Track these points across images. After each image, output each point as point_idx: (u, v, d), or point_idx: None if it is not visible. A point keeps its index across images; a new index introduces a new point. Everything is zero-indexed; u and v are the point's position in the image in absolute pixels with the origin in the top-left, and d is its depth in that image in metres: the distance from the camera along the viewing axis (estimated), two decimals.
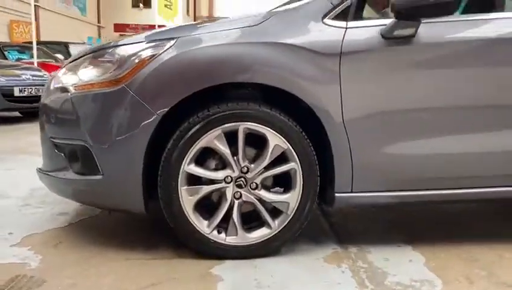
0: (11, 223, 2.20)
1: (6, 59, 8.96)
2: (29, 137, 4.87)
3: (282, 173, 1.79)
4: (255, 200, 1.79)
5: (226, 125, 1.71)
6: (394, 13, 1.71)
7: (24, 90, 6.51)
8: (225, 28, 1.80)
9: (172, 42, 1.72)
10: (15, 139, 4.91)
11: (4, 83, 6.36)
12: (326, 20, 1.76)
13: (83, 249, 1.89)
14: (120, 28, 23.42)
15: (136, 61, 1.70)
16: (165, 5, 17.86)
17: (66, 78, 1.89)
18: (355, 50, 1.74)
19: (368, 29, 1.76)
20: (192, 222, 1.76)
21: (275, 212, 1.82)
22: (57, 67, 8.58)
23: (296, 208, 1.79)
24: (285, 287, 1.59)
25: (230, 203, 1.78)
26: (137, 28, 23.45)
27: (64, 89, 1.84)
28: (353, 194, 1.81)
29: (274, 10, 1.96)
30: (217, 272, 1.69)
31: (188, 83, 1.69)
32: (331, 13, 1.77)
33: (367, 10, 1.88)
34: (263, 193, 1.79)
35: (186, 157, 1.72)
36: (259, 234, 1.80)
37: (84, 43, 14.28)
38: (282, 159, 1.77)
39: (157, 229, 2.09)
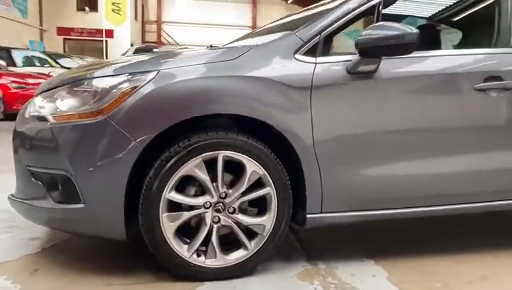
0: None
1: None
2: None
3: (257, 197, 1.91)
4: (233, 223, 1.89)
5: (206, 153, 1.81)
6: (358, 51, 1.89)
7: None
8: (203, 61, 1.89)
9: (153, 75, 1.79)
10: None
11: None
12: (297, 56, 1.91)
13: (61, 276, 1.90)
14: (64, 31, 22.59)
15: (118, 93, 1.76)
16: (113, 10, 17.52)
17: (43, 107, 1.90)
18: (324, 84, 1.89)
19: (334, 64, 1.93)
20: (173, 247, 1.83)
21: (250, 234, 1.93)
22: (1, 75, 8.22)
23: (271, 230, 1.92)
24: None
25: (210, 227, 1.87)
26: (82, 32, 22.74)
27: (42, 118, 1.86)
28: (323, 214, 1.97)
29: (246, 44, 2.08)
30: None
31: (168, 115, 1.76)
32: (302, 49, 1.92)
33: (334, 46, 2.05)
34: (241, 217, 1.89)
35: (167, 185, 1.79)
36: (237, 256, 1.91)
37: (28, 48, 13.67)
38: (258, 184, 1.89)
39: (133, 252, 2.13)
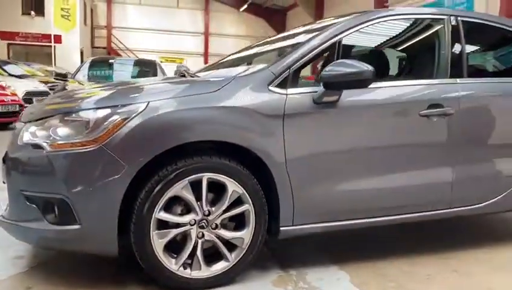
0: None
1: None
2: None
3: (237, 214, 2.14)
4: (216, 238, 2.11)
5: (192, 176, 2.02)
6: (322, 84, 2.18)
7: None
8: (189, 93, 2.11)
9: (143, 106, 1.98)
10: None
11: None
12: (270, 88, 2.17)
13: None
14: (8, 36, 21.64)
15: (111, 124, 1.93)
16: (62, 16, 17.07)
17: (36, 135, 2.04)
18: (295, 112, 2.16)
19: (303, 95, 2.20)
20: (162, 262, 2.03)
21: (230, 246, 2.16)
22: None
23: (249, 242, 2.15)
24: None
25: (195, 242, 2.08)
26: (28, 37, 21.90)
27: (37, 146, 1.99)
28: (294, 227, 2.23)
29: (222, 76, 2.31)
30: None
31: (158, 143, 1.96)
32: (274, 82, 2.18)
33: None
34: (222, 232, 2.12)
35: (157, 206, 1.98)
36: (220, 267, 2.13)
37: None
38: (237, 201, 2.12)
39: (121, 266, 2.29)
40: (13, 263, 2.34)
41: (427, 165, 2.47)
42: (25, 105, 7.40)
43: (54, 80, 12.51)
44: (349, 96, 2.25)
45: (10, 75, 11.09)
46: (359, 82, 2.16)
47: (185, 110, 2.03)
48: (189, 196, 2.03)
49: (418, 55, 2.79)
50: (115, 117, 1.95)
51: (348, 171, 2.30)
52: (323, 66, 2.31)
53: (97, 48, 24.83)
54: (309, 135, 2.20)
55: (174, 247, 2.09)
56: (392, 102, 2.39)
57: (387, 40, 2.74)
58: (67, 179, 1.92)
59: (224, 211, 2.11)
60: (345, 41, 2.38)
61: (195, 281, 2.09)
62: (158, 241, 2.01)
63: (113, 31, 25.50)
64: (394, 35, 2.73)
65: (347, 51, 2.44)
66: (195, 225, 2.07)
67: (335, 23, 2.47)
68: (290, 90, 2.19)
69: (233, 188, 2.08)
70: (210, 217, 2.09)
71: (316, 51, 2.29)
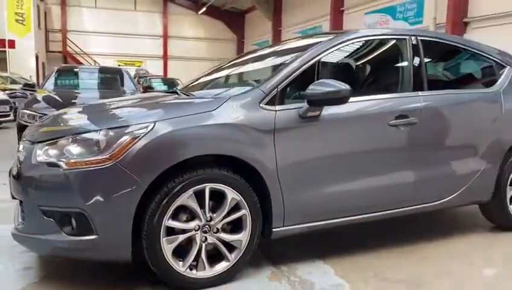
0: None
1: None
2: None
3: (235, 219, 2.40)
4: (217, 241, 2.36)
5: (196, 187, 2.26)
6: (307, 101, 2.48)
7: None
8: (191, 112, 2.33)
9: (151, 126, 2.20)
10: None
11: None
12: (261, 105, 2.44)
13: None
14: None
15: (123, 143, 2.14)
16: (17, 20, 16.59)
17: (50, 154, 2.21)
18: (283, 126, 2.45)
19: (290, 111, 2.49)
20: (171, 264, 2.25)
21: (230, 248, 2.41)
22: None
23: (247, 243, 2.42)
24: None
25: (199, 245, 2.32)
26: None
27: (52, 164, 2.17)
28: (285, 227, 2.52)
29: (218, 94, 2.56)
30: None
31: (167, 158, 2.19)
32: (264, 100, 2.46)
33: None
34: (223, 235, 2.37)
35: (166, 215, 2.21)
36: (222, 266, 2.38)
37: None
38: (235, 208, 2.38)
39: (130, 270, 2.49)
40: (23, 275, 2.48)
41: (395, 168, 2.82)
42: None
43: (12, 88, 12.23)
44: (329, 111, 2.56)
45: None
46: (338, 99, 2.47)
47: (189, 128, 2.26)
48: (194, 205, 2.28)
49: (385, 71, 3.15)
50: (126, 137, 2.16)
51: (329, 176, 2.61)
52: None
53: (52, 52, 24.18)
54: (296, 145, 2.49)
55: (180, 251, 2.32)
56: (365, 114, 2.72)
57: (359, 58, 3.08)
58: (84, 194, 2.12)
59: (225, 217, 2.36)
60: (323, 60, 2.70)
61: (201, 280, 2.33)
62: (167, 247, 2.23)
63: (68, 35, 24.89)
64: (365, 53, 3.07)
65: (326, 69, 2.75)
66: (199, 230, 2.31)
67: (315, 43, 2.78)
68: (279, 107, 2.47)
69: (232, 195, 2.34)
70: (212, 223, 2.34)
71: (299, 70, 2.58)
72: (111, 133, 2.19)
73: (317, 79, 2.60)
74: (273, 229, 2.49)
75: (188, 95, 2.72)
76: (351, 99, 2.62)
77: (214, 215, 2.34)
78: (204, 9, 25.41)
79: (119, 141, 2.15)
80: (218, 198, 2.35)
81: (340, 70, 2.95)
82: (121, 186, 2.13)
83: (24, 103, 6.38)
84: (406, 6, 13.58)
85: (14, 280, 2.42)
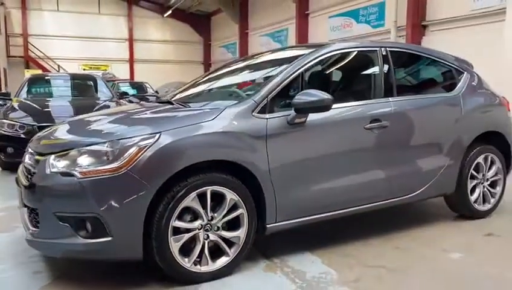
0: None
1: None
2: None
3: (233, 217, 2.65)
4: (218, 238, 2.61)
5: (199, 189, 2.51)
6: (294, 109, 2.76)
7: None
8: (191, 122, 2.57)
9: (157, 137, 2.43)
10: None
11: None
12: (254, 114, 2.71)
13: None
14: None
15: (132, 152, 2.36)
16: None
17: (63, 165, 2.41)
18: (274, 132, 2.73)
19: (280, 118, 2.77)
20: (178, 261, 2.49)
21: (229, 244, 2.66)
22: None
23: (244, 239, 2.68)
24: None
25: (202, 243, 2.56)
26: None
27: (67, 174, 2.36)
28: (277, 223, 2.80)
29: (214, 105, 2.81)
30: None
31: (173, 165, 2.42)
32: (256, 109, 2.73)
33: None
34: (223, 233, 2.62)
35: (173, 216, 2.44)
36: (222, 261, 2.63)
37: None
38: (233, 207, 2.64)
39: (135, 269, 2.70)
40: (36, 278, 2.65)
41: (372, 166, 3.16)
42: None
43: None
44: (313, 117, 2.85)
45: None
46: (321, 107, 2.77)
47: (191, 137, 2.50)
48: (197, 206, 2.52)
49: (360, 79, 3.49)
50: (134, 148, 2.37)
51: (315, 176, 2.91)
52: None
53: (13, 57, 23.48)
54: (286, 149, 2.78)
55: (185, 248, 2.55)
56: (344, 119, 3.03)
57: (337, 68, 3.41)
58: (99, 200, 2.32)
59: (224, 216, 2.61)
60: (306, 72, 3.00)
61: (205, 274, 2.57)
62: (175, 245, 2.47)
63: (29, 39, 24.25)
64: (342, 64, 3.40)
65: (309, 79, 3.04)
66: (202, 229, 2.56)
67: (298, 55, 3.07)
68: (269, 115, 2.75)
69: (230, 196, 2.60)
70: (213, 222, 2.58)
71: (285, 81, 2.87)
72: (121, 144, 2.39)
73: (302, 89, 2.90)
74: (267, 226, 2.77)
75: (183, 106, 2.95)
76: (333, 106, 2.94)
77: (215, 214, 2.59)
78: (169, 12, 25.35)
79: (129, 151, 2.37)
80: (218, 199, 2.60)
81: (321, 80, 3.26)
82: (132, 191, 2.34)
83: (1, 112, 6.38)
84: (368, 10, 14.15)
85: (27, 284, 2.58)
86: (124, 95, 9.04)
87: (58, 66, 23.99)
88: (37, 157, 2.59)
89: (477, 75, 3.94)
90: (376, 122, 3.11)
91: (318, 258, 2.94)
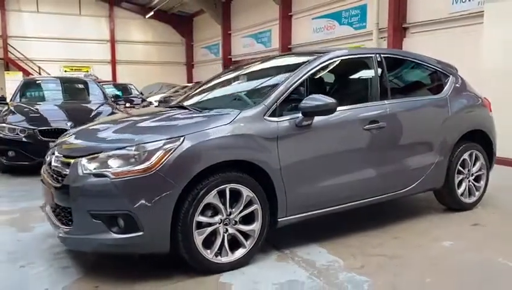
0: (29, 286, 2.69)
1: None
2: None
3: (249, 212, 2.90)
4: (236, 231, 2.85)
5: (219, 187, 2.75)
6: (301, 112, 3.03)
7: None
8: (211, 126, 2.80)
9: (181, 140, 2.66)
10: None
11: None
12: (265, 118, 2.96)
13: (121, 286, 2.63)
14: None
15: (160, 154, 2.59)
16: None
17: (95, 167, 2.62)
18: (284, 134, 2.99)
19: (289, 121, 3.03)
20: (202, 253, 2.72)
21: (245, 236, 2.90)
22: None
23: (259, 232, 2.93)
24: (268, 278, 2.72)
25: (222, 236, 2.80)
26: None
27: (100, 175, 2.57)
28: (287, 217, 3.06)
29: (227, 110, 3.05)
30: (223, 280, 2.72)
31: (196, 165, 2.66)
32: (267, 113, 2.98)
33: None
34: (241, 226, 2.87)
35: (197, 211, 2.68)
36: (240, 252, 2.88)
37: None
38: (249, 203, 2.88)
39: (158, 263, 2.92)
40: (67, 272, 2.84)
41: (371, 164, 3.45)
42: None
43: None
44: (319, 120, 3.12)
45: None
46: (326, 111, 3.04)
47: (212, 139, 2.74)
48: (217, 202, 2.76)
49: (359, 84, 3.79)
50: (161, 151, 2.60)
51: (321, 173, 3.18)
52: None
53: None
54: (295, 148, 3.04)
55: (206, 241, 2.78)
56: (346, 120, 3.32)
57: (338, 74, 3.69)
58: (131, 198, 2.54)
59: (241, 211, 2.86)
60: (311, 77, 3.27)
61: (225, 265, 2.81)
62: (199, 238, 2.70)
63: (9, 41, 23.91)
64: (342, 70, 3.68)
65: (313, 84, 3.31)
66: (221, 223, 2.80)
67: (304, 62, 3.34)
68: (279, 118, 3.00)
69: (246, 193, 2.84)
70: (231, 216, 2.83)
71: (292, 87, 3.14)
72: (147, 147, 2.61)
73: (307, 93, 3.16)
74: (279, 220, 3.03)
75: (200, 111, 3.19)
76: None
77: (233, 210, 2.83)
78: (151, 13, 25.35)
79: (157, 153, 2.59)
80: (235, 195, 2.85)
81: (323, 85, 3.53)
82: (161, 190, 2.57)
83: (0, 116, 6.46)
84: (350, 12, 14.54)
85: (57, 279, 2.77)
86: (117, 98, 9.15)
87: (39, 68, 23.75)
88: (66, 160, 2.79)
89: (461, 78, 4.27)
90: (374, 124, 3.40)
91: (324, 248, 3.21)
